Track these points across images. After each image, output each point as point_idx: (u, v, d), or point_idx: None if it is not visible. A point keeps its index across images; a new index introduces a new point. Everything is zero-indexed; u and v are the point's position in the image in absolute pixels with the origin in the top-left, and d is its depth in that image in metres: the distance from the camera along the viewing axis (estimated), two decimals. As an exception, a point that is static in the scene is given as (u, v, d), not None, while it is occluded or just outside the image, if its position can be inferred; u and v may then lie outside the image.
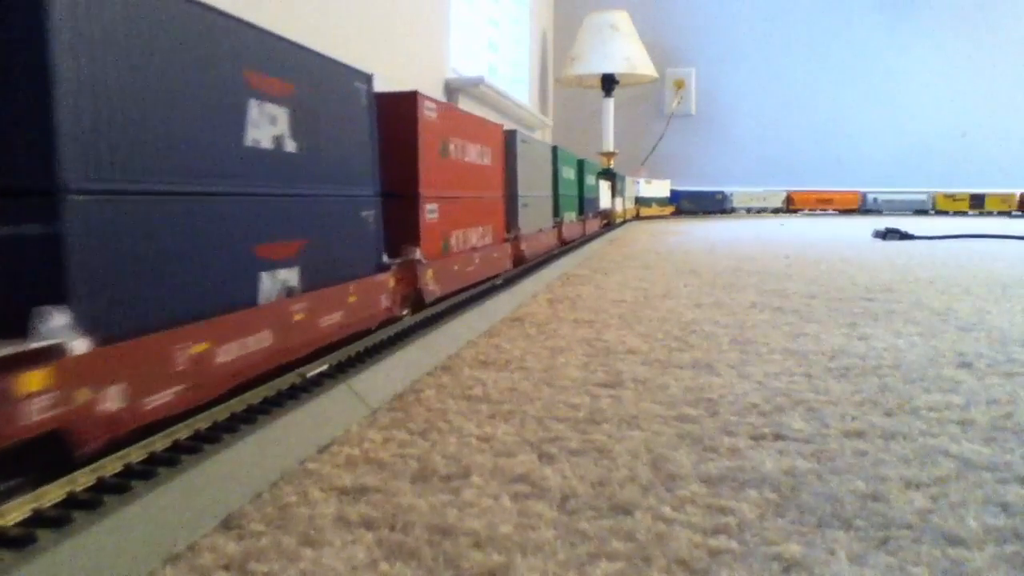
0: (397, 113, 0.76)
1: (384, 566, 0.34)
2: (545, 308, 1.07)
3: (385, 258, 0.69)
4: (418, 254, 0.75)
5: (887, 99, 4.43)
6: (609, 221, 2.87)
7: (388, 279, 0.68)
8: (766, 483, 0.43)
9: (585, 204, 2.11)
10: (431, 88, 2.14)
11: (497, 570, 0.33)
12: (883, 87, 4.43)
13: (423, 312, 0.80)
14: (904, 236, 2.49)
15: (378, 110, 0.67)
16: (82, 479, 0.34)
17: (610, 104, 3.98)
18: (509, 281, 1.16)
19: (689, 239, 2.60)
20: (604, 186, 2.71)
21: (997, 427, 0.53)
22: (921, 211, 4.43)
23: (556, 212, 1.64)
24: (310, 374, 0.55)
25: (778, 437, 0.51)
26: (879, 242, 2.42)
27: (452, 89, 2.31)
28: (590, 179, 2.27)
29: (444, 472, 0.45)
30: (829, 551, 0.35)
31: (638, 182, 4.01)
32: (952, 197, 4.38)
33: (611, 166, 3.75)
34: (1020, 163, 4.35)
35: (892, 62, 4.40)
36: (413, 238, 0.76)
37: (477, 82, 2.38)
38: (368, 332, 0.67)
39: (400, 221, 0.75)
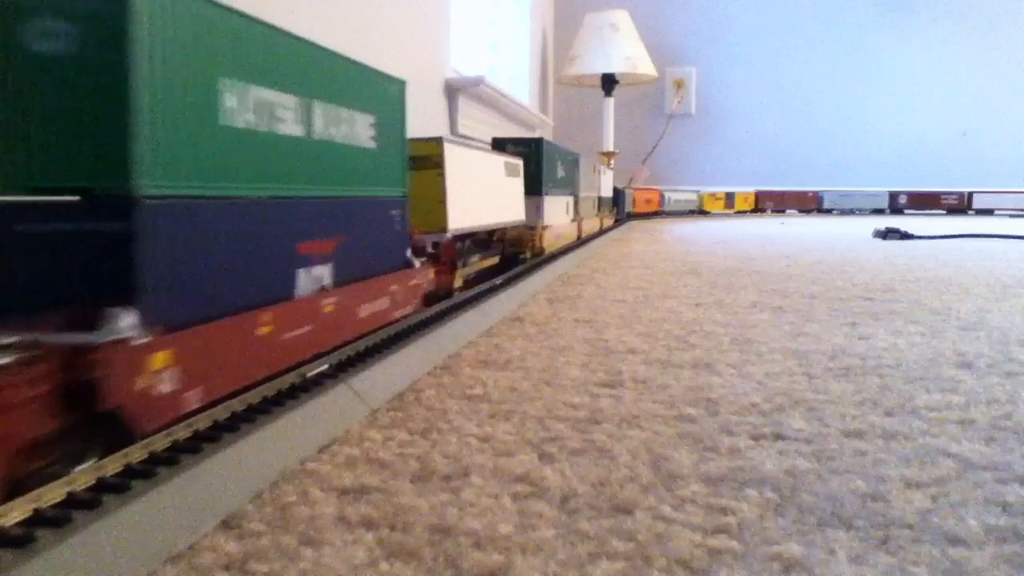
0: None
1: (384, 566, 0.34)
2: (545, 308, 1.07)
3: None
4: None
5: (887, 99, 4.43)
6: (519, 251, 1.41)
7: None
8: (766, 483, 0.43)
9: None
10: (431, 88, 2.14)
11: (497, 570, 0.33)
12: (883, 87, 4.43)
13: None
14: (904, 236, 2.49)
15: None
16: (82, 479, 0.34)
17: (610, 104, 3.98)
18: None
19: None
20: (483, 164, 1.10)
21: (997, 427, 0.53)
22: (694, 211, 4.57)
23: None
24: (310, 374, 0.55)
25: (778, 437, 0.51)
26: (879, 241, 2.43)
27: (452, 89, 2.30)
28: (389, 151, 0.68)
29: (444, 472, 0.45)
30: (829, 551, 0.35)
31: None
32: (713, 196, 4.62)
33: (611, 164, 3.72)
34: (1020, 163, 4.36)
35: (892, 62, 4.40)
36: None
37: (477, 82, 2.37)
38: None
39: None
